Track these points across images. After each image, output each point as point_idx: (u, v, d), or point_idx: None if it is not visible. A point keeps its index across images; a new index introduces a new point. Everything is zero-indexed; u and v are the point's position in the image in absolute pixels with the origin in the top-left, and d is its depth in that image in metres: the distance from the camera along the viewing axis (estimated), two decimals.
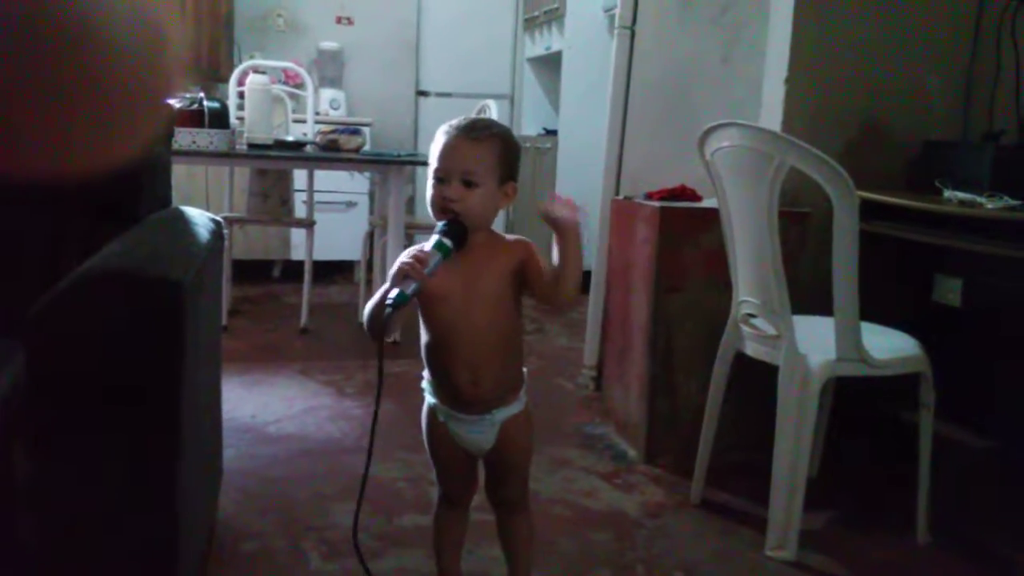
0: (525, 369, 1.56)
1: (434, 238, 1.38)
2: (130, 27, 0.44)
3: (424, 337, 1.49)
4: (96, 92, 0.43)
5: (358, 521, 1.51)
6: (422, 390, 1.56)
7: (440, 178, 1.41)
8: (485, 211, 1.43)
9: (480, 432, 1.51)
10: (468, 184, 1.39)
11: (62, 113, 0.42)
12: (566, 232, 1.38)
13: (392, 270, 1.37)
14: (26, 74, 0.40)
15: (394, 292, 1.33)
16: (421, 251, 1.37)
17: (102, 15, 0.42)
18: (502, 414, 1.50)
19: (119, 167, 0.46)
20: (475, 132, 1.41)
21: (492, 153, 1.41)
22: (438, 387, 1.52)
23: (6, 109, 0.40)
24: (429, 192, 1.43)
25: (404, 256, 1.36)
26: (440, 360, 1.48)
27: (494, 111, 3.83)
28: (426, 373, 1.54)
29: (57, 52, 0.40)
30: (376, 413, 1.43)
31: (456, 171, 1.39)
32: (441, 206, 1.41)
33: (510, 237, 1.51)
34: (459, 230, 1.39)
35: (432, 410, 1.55)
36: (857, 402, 2.55)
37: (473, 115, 1.51)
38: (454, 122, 1.44)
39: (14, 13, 0.39)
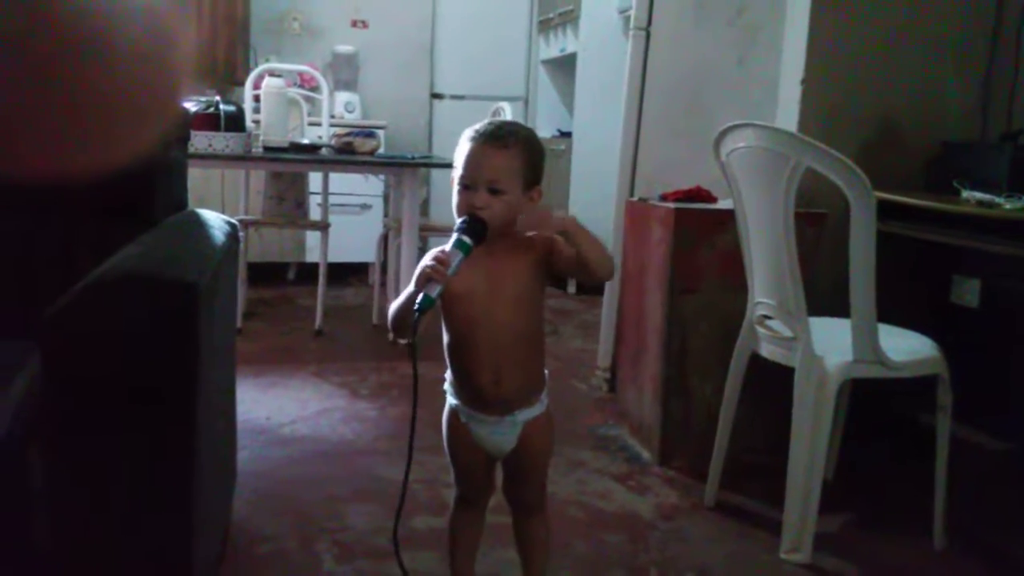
0: (547, 371, 1.56)
1: (453, 237, 1.39)
2: (141, 27, 0.44)
3: (447, 337, 1.49)
4: (106, 92, 0.43)
5: (399, 521, 1.52)
6: (444, 392, 1.56)
7: (466, 185, 1.41)
8: (511, 217, 1.43)
9: (502, 434, 1.51)
10: (494, 192, 1.40)
11: (72, 113, 0.42)
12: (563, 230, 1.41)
13: (415, 272, 1.38)
14: (35, 74, 0.40)
15: (419, 297, 1.34)
16: (442, 252, 1.37)
17: (112, 15, 0.42)
18: (524, 415, 1.51)
19: (129, 167, 0.46)
20: (501, 139, 1.41)
21: (518, 160, 1.42)
22: (460, 387, 1.52)
23: (17, 109, 0.41)
24: (455, 198, 1.43)
25: (426, 259, 1.37)
26: (463, 359, 1.48)
27: (508, 113, 3.82)
28: (448, 374, 1.54)
29: (67, 53, 0.41)
30: (413, 418, 1.44)
31: (482, 179, 1.40)
32: (469, 214, 1.41)
33: (530, 234, 1.51)
34: (478, 227, 1.39)
35: (454, 411, 1.54)
36: (874, 404, 2.53)
37: (491, 118, 1.50)
38: (479, 127, 1.44)
39: (24, 14, 0.39)
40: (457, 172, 1.43)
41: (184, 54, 0.49)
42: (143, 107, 0.47)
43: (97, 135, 0.45)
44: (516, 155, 1.41)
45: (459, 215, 1.43)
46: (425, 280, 1.35)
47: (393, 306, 1.45)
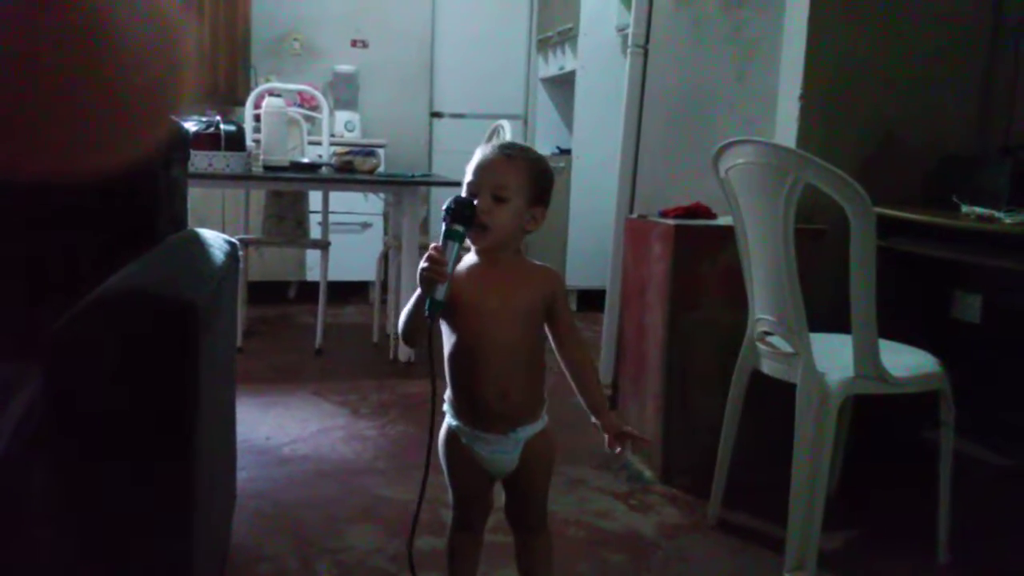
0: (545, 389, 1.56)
1: (443, 228, 1.40)
2: (140, 36, 0.45)
3: (450, 351, 1.48)
4: (102, 97, 0.43)
5: (414, 535, 1.51)
6: (443, 412, 1.55)
7: (472, 193, 1.43)
8: (513, 228, 1.44)
9: (504, 452, 1.50)
10: (498, 199, 1.41)
11: (67, 116, 0.43)
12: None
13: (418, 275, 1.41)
14: (33, 76, 0.40)
15: (426, 303, 1.38)
16: (435, 249, 1.38)
17: (112, 23, 0.43)
18: (526, 432, 1.50)
19: (120, 172, 0.46)
20: (509, 150, 1.45)
21: (524, 172, 1.44)
22: (462, 405, 1.50)
23: (13, 111, 0.41)
24: None
25: (422, 261, 1.38)
26: (467, 374, 1.47)
27: (508, 131, 3.83)
28: (448, 394, 1.53)
29: (66, 57, 0.41)
30: (431, 427, 1.47)
31: (487, 185, 1.42)
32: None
33: (538, 263, 1.55)
34: (464, 210, 1.40)
35: (454, 432, 1.53)
36: (876, 420, 2.52)
37: (491, 136, 1.53)
38: (493, 142, 1.47)
39: (25, 18, 0.39)
40: (465, 181, 1.45)
41: (183, 63, 0.49)
42: (141, 113, 0.47)
43: (94, 137, 0.45)
44: (522, 168, 1.44)
45: None
46: (427, 284, 1.38)
47: (403, 314, 1.47)
